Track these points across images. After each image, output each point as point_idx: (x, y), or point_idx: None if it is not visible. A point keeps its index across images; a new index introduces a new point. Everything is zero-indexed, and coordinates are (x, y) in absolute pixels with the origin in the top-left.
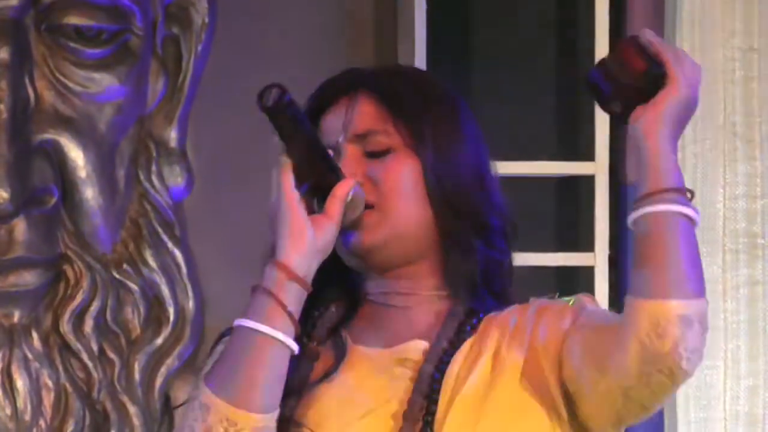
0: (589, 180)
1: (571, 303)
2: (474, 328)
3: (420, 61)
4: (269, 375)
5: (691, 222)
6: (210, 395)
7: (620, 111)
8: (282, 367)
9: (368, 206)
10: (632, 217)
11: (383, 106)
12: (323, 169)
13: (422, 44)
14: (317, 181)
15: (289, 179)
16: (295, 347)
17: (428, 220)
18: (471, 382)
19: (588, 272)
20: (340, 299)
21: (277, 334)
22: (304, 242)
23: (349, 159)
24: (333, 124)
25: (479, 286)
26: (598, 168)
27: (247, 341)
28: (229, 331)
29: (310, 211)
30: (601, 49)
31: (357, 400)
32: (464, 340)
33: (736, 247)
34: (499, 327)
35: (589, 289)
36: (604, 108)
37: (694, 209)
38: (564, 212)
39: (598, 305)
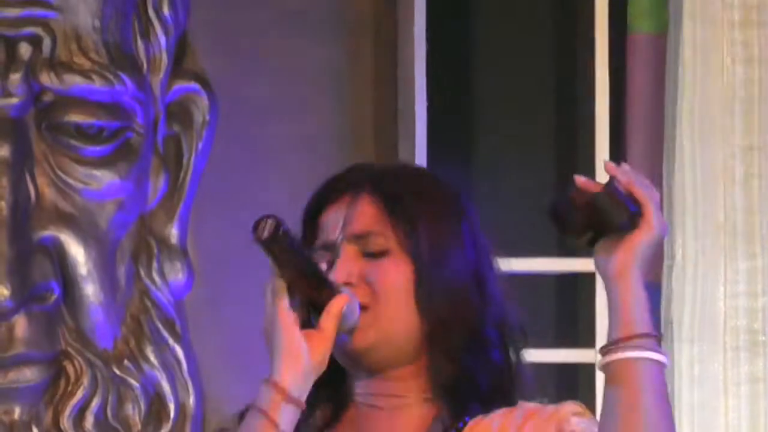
0: (589, 276)
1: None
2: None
3: (420, 156)
4: None
5: (663, 366)
6: None
7: (587, 240)
8: None
9: (362, 307)
10: (603, 361)
11: (383, 207)
12: (317, 286)
13: (423, 140)
14: (311, 296)
15: (283, 300)
16: None
17: (417, 326)
18: None
19: (589, 369)
20: (327, 401)
21: None
22: (300, 364)
23: (346, 259)
24: (333, 221)
25: (465, 395)
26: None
27: None
28: None
29: (305, 325)
30: (601, 155)
31: None
32: None
33: (737, 344)
34: (485, 429)
35: (590, 385)
36: (566, 233)
37: (664, 353)
38: (564, 308)
39: (585, 414)
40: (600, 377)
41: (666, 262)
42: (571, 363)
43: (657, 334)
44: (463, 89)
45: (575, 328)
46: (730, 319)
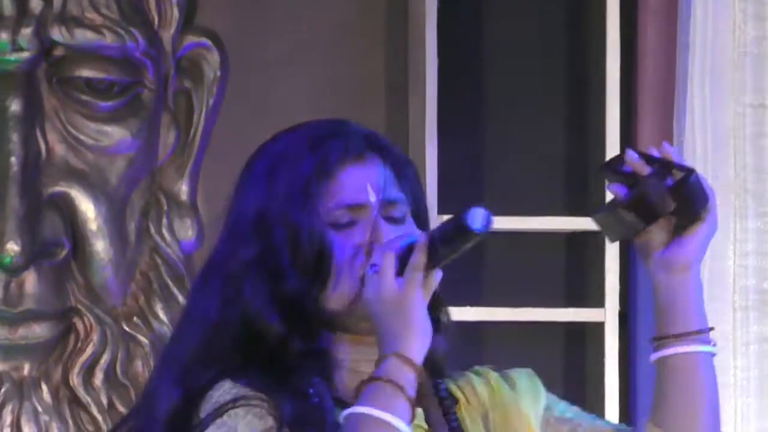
0: (598, 236)
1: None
2: (449, 392)
3: (431, 117)
4: None
5: (712, 359)
6: None
7: (631, 221)
8: None
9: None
10: (662, 354)
11: (391, 176)
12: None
13: (433, 101)
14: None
15: (420, 278)
16: None
17: None
18: None
19: (597, 328)
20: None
21: (406, 429)
22: (428, 340)
23: (383, 223)
24: (359, 183)
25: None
26: None
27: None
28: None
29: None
30: (612, 108)
31: None
32: (452, 405)
33: (746, 304)
34: (483, 387)
35: (599, 345)
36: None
37: (715, 344)
38: (573, 268)
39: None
40: (610, 335)
41: None
42: (580, 322)
43: (709, 328)
44: (474, 44)
45: (584, 287)
46: (739, 278)
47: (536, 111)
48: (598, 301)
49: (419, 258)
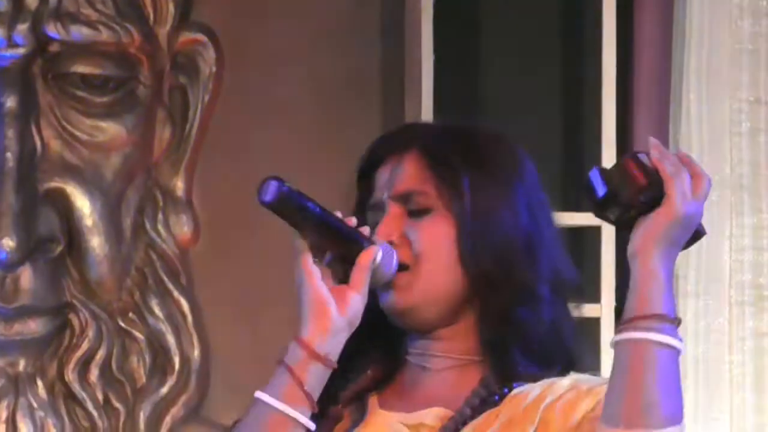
0: (594, 231)
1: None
2: (501, 398)
3: (426, 111)
4: None
5: (673, 350)
6: None
7: (613, 219)
8: None
9: (403, 266)
10: (612, 340)
11: (428, 166)
12: (343, 241)
13: (429, 95)
14: (341, 252)
15: (306, 258)
16: (311, 426)
17: (461, 284)
18: None
19: (593, 324)
20: (381, 361)
21: (292, 413)
22: (327, 320)
23: (389, 218)
24: (382, 180)
25: (513, 354)
26: None
27: (262, 416)
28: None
29: (339, 280)
30: (608, 103)
31: None
32: (485, 411)
33: (742, 299)
34: (519, 402)
35: (595, 341)
36: (596, 211)
37: (678, 337)
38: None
39: None
40: (606, 331)
41: None
42: (575, 317)
43: (673, 317)
44: (470, 40)
45: (580, 283)
46: (735, 273)
47: (532, 106)
48: (594, 297)
49: (299, 243)
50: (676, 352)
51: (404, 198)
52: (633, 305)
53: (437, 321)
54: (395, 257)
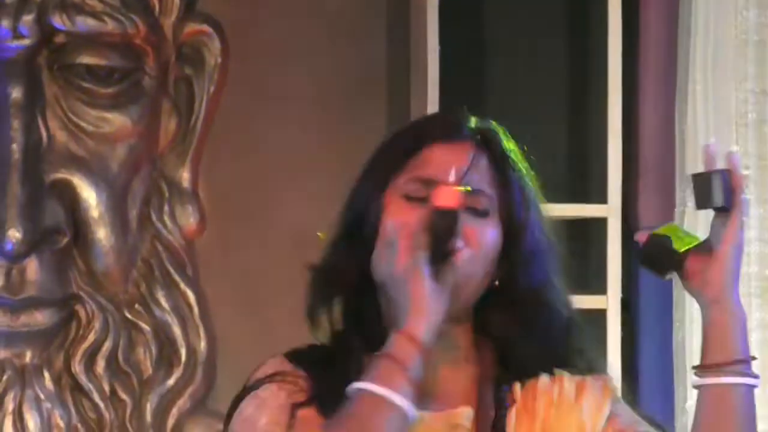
0: (601, 222)
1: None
2: (510, 393)
3: (432, 106)
4: None
5: (753, 390)
6: None
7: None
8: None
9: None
10: (700, 382)
11: (492, 168)
12: (446, 242)
13: (435, 90)
14: (437, 250)
15: (423, 255)
16: (416, 417)
17: (485, 285)
18: None
19: (599, 315)
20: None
21: (405, 404)
22: (435, 317)
23: (465, 215)
24: (445, 162)
25: (519, 351)
26: (611, 211)
27: (373, 408)
28: (268, 378)
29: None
30: (614, 94)
31: None
32: (507, 408)
33: (748, 291)
34: (543, 395)
35: (601, 332)
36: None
37: (757, 376)
38: (575, 254)
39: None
40: (612, 322)
41: (677, 208)
42: (582, 309)
43: (751, 357)
44: (475, 32)
45: (586, 274)
46: (742, 265)
47: (539, 99)
48: (601, 288)
49: (421, 237)
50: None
51: (471, 194)
52: (731, 349)
53: (454, 314)
54: None
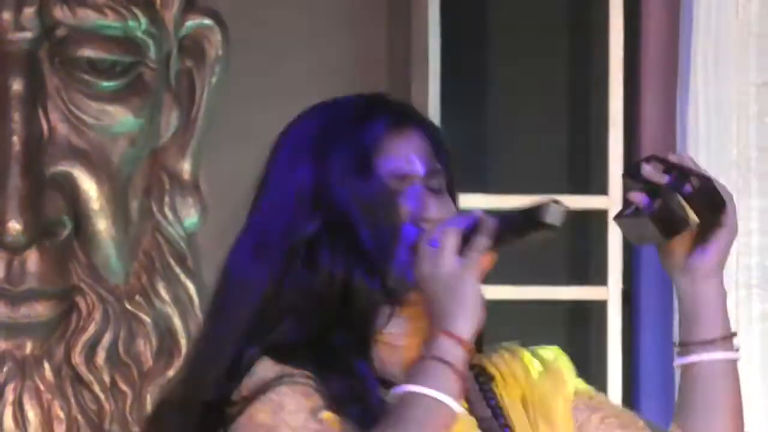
0: (601, 214)
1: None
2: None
3: (434, 96)
4: None
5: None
6: None
7: (653, 232)
8: None
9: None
10: (685, 360)
11: (436, 150)
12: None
13: (436, 80)
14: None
15: (475, 256)
16: (472, 422)
17: None
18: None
19: (600, 306)
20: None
21: (459, 408)
22: (479, 320)
23: (431, 195)
24: (405, 151)
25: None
26: (612, 202)
27: (429, 412)
28: (276, 380)
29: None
30: (615, 86)
31: None
32: (491, 398)
33: (749, 281)
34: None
35: (602, 323)
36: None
37: (738, 349)
38: (576, 246)
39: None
40: (613, 313)
41: None
42: (583, 300)
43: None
44: (477, 22)
45: (587, 266)
46: (742, 256)
47: (539, 90)
48: (602, 279)
49: (483, 240)
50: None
51: (431, 175)
52: (716, 325)
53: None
54: None
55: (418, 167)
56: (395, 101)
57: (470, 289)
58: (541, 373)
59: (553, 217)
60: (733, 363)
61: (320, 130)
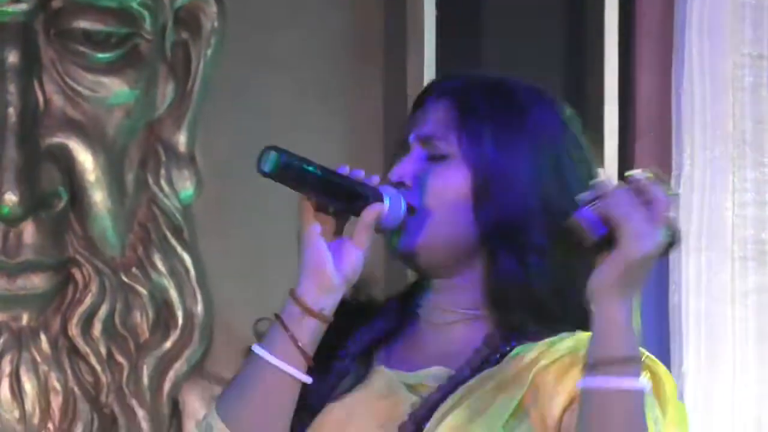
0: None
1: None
2: (502, 357)
3: (429, 71)
4: (273, 404)
5: (639, 392)
6: (216, 418)
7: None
8: (288, 397)
9: (411, 209)
10: (579, 384)
11: (456, 114)
12: (346, 199)
13: (432, 54)
14: (347, 209)
15: (308, 214)
16: (306, 379)
17: (471, 234)
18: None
19: None
20: (393, 313)
21: (286, 368)
22: (323, 277)
23: (407, 160)
24: (412, 122)
25: (519, 310)
26: (607, 175)
27: (257, 370)
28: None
29: (340, 232)
30: (610, 58)
31: (354, 422)
32: (483, 370)
33: (744, 254)
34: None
35: None
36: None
37: (639, 378)
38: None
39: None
40: None
41: (674, 172)
42: None
43: (634, 357)
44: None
45: None
46: (738, 228)
47: (535, 64)
48: None
49: (300, 200)
50: (642, 393)
51: (425, 141)
52: (596, 352)
53: (443, 266)
54: (403, 203)
55: (404, 136)
56: (438, 78)
57: (308, 249)
58: (537, 370)
59: (265, 165)
60: (629, 393)
61: None
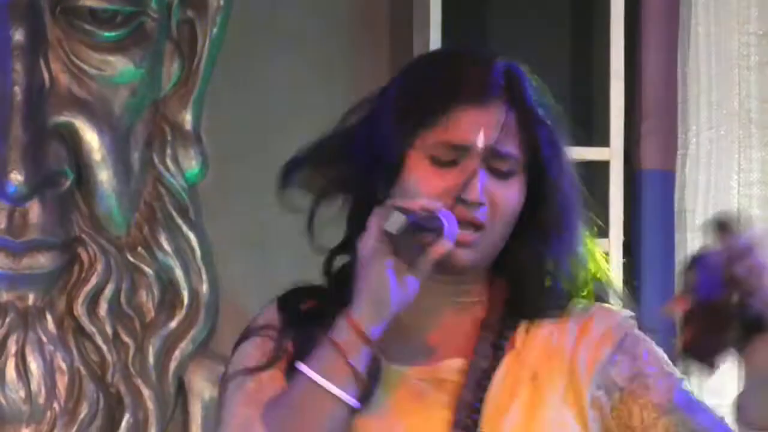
0: (603, 165)
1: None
2: (510, 341)
3: (434, 46)
4: (324, 429)
5: None
6: None
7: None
8: (339, 422)
9: (479, 226)
10: None
11: (518, 127)
12: (419, 234)
13: (437, 34)
14: (415, 240)
15: (380, 235)
16: (356, 404)
17: (505, 238)
18: (512, 415)
19: None
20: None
21: (341, 394)
22: (384, 307)
23: (483, 183)
24: (475, 125)
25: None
26: (613, 154)
27: (309, 393)
28: (247, 334)
29: (405, 251)
30: (616, 37)
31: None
32: (501, 357)
33: None
34: (541, 342)
35: None
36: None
37: None
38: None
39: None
40: (613, 267)
41: (680, 151)
42: None
43: None
44: None
45: (588, 217)
46: (743, 208)
47: (541, 43)
48: (603, 231)
49: (426, 237)
50: None
51: (495, 156)
52: None
53: (475, 271)
54: (456, 224)
55: (478, 141)
56: (491, 67)
57: (372, 275)
58: (562, 355)
59: (393, 226)
60: None
61: (409, 75)
